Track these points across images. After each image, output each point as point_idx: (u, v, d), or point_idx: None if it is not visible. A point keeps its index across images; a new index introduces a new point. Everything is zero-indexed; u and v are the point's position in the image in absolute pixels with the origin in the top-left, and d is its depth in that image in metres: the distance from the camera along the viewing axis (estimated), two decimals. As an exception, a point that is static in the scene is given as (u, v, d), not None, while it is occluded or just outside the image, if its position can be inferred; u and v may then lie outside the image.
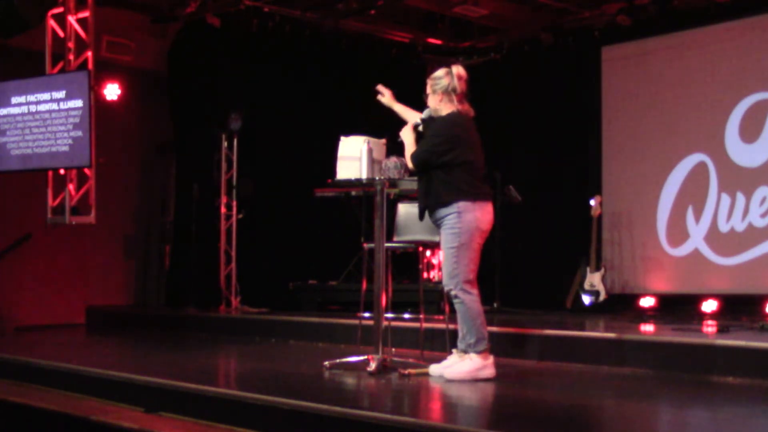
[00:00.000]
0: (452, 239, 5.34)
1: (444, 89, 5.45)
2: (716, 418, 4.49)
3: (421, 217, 5.62)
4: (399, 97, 6.00)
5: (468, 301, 5.33)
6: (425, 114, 5.61)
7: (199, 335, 8.61)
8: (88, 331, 9.57)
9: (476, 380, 5.31)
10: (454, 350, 5.58)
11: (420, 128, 5.63)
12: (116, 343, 8.39)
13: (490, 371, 5.38)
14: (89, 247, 10.04)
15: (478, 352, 5.35)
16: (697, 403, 4.88)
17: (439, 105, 5.49)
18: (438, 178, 5.38)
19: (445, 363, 5.57)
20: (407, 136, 5.58)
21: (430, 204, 5.44)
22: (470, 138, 5.45)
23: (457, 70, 5.49)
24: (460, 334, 5.55)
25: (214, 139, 9.68)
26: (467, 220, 5.32)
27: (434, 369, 5.57)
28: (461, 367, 5.36)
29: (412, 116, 5.79)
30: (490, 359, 5.41)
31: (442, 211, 5.39)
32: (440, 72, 5.51)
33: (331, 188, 5.99)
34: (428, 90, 5.53)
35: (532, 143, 10.18)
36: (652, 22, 9.45)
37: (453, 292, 5.35)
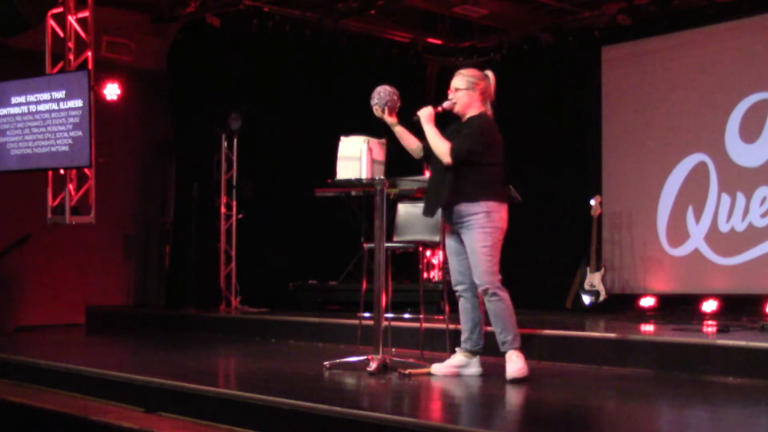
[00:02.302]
0: (485, 238, 5.33)
1: (483, 91, 5.47)
2: (716, 418, 4.48)
3: (432, 212, 5.54)
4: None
5: (505, 298, 5.38)
6: (447, 104, 5.47)
7: (199, 335, 8.61)
8: (88, 331, 9.56)
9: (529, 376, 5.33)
10: (457, 349, 5.59)
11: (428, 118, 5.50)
12: (116, 343, 8.38)
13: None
14: (89, 247, 10.03)
15: (516, 348, 5.36)
16: (697, 403, 4.88)
17: (474, 103, 5.45)
18: (471, 173, 5.34)
19: (448, 363, 5.58)
20: (428, 119, 5.42)
21: (455, 199, 5.36)
22: (500, 141, 5.48)
23: (492, 75, 5.53)
24: (463, 335, 5.55)
25: (214, 139, 9.69)
26: (496, 220, 5.37)
27: (437, 368, 5.57)
28: (516, 365, 5.32)
29: (410, 140, 5.65)
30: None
31: (469, 208, 5.33)
32: (477, 72, 5.50)
33: (331, 188, 5.99)
34: (462, 85, 5.44)
35: (532, 143, 10.15)
36: (652, 22, 9.45)
37: (491, 290, 5.35)
